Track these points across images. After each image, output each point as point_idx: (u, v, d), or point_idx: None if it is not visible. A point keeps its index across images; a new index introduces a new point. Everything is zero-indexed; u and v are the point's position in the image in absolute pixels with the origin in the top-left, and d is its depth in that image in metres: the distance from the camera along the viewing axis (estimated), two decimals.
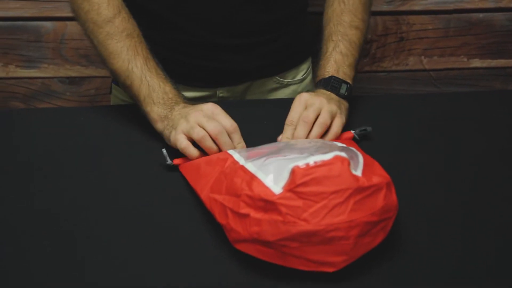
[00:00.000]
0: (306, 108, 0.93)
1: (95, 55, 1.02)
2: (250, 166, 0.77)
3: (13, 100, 1.50)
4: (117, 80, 1.01)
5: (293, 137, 0.92)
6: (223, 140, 0.87)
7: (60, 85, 1.49)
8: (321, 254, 0.68)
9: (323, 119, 0.92)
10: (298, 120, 0.92)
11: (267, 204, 0.69)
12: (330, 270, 0.68)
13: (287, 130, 0.92)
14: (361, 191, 0.69)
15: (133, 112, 0.99)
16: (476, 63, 1.56)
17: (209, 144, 0.87)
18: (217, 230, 0.77)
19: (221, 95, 1.15)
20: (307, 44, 1.22)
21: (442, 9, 1.48)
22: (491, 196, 0.85)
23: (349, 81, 1.02)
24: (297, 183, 0.69)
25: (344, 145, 0.84)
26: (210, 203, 0.77)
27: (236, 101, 1.15)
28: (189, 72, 1.11)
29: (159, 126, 0.94)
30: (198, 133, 0.87)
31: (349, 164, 0.71)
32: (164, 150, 0.89)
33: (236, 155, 0.82)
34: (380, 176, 0.72)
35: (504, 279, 0.71)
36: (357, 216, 0.68)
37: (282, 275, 0.71)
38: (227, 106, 0.92)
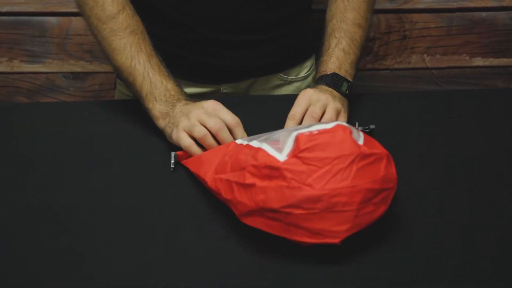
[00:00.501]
0: (310, 104, 0.94)
1: (100, 50, 1.03)
2: (255, 143, 0.78)
3: (18, 95, 1.51)
4: (120, 77, 1.01)
5: None
6: (224, 136, 0.88)
7: (64, 80, 1.50)
8: (325, 223, 0.69)
9: (330, 116, 0.93)
10: (304, 115, 0.93)
11: (272, 170, 0.71)
12: (334, 241, 0.69)
13: (289, 124, 0.93)
14: (363, 158, 0.71)
15: (137, 108, 0.99)
16: (479, 61, 1.56)
17: (210, 142, 0.88)
18: (218, 229, 0.78)
19: (224, 91, 1.15)
20: (311, 42, 1.22)
21: (445, 7, 1.48)
22: (492, 195, 0.85)
23: (350, 79, 1.02)
24: (301, 148, 0.71)
25: None
26: (216, 183, 0.79)
27: (239, 97, 1.15)
28: (193, 68, 1.12)
29: (161, 123, 0.94)
30: (199, 132, 0.87)
31: (350, 132, 0.73)
32: (172, 154, 0.89)
33: (239, 140, 0.84)
34: (380, 148, 0.75)
35: (504, 278, 0.72)
36: (360, 182, 0.70)
37: (283, 275, 0.72)
38: (230, 102, 0.93)
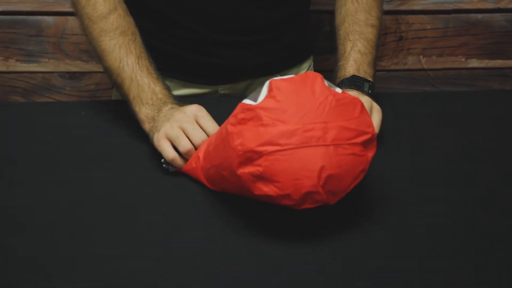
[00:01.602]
0: None
1: (92, 50, 1.03)
2: None
3: (13, 95, 1.50)
4: (109, 78, 1.00)
5: None
6: None
7: (60, 80, 1.50)
8: (302, 161, 0.70)
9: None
10: None
11: (248, 113, 0.73)
12: (314, 181, 0.70)
13: None
14: (336, 98, 0.73)
15: None
16: (474, 63, 1.57)
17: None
18: (218, 229, 0.78)
19: (222, 92, 1.15)
20: (309, 42, 1.22)
21: (441, 9, 1.49)
22: (487, 194, 0.86)
23: (370, 79, 1.01)
24: (273, 88, 0.73)
25: None
26: (208, 158, 0.81)
27: (236, 97, 1.15)
28: (191, 69, 1.12)
29: (146, 127, 0.93)
30: (184, 146, 0.86)
31: (322, 78, 0.75)
32: (163, 160, 0.89)
33: None
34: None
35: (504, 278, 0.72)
36: (334, 119, 0.72)
37: (283, 275, 0.72)
38: (228, 103, 0.92)
